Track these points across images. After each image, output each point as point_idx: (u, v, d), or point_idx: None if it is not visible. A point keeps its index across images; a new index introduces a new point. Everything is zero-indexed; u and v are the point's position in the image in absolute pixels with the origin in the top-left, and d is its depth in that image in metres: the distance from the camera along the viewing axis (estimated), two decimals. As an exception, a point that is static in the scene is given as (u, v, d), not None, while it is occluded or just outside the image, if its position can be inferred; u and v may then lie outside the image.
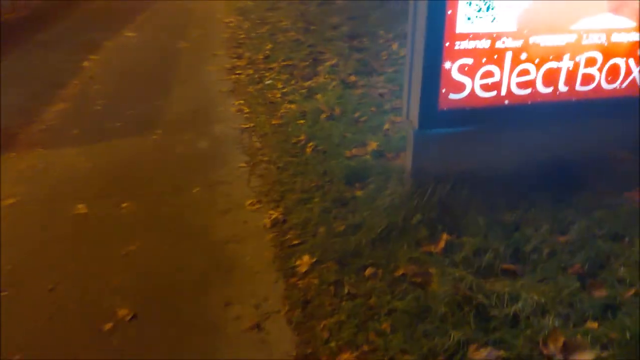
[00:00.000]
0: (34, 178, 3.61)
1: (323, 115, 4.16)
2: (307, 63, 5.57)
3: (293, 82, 5.09)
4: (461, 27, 2.42)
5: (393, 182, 2.97)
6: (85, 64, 6.53)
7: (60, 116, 4.73)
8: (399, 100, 4.30)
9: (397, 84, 4.63)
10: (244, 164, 3.61)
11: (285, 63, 5.68)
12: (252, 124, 4.27)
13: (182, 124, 4.42)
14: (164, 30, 8.34)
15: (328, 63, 5.47)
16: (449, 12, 2.38)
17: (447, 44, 2.43)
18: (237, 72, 5.75)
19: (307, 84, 4.98)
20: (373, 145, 3.58)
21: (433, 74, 2.48)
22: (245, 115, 4.48)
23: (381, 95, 4.48)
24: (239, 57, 6.32)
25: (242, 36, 7.39)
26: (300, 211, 2.94)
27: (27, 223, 3.07)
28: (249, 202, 3.13)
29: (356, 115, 4.11)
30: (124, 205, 3.18)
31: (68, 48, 7.34)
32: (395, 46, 5.87)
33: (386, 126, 3.88)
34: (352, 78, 4.90)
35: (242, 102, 4.81)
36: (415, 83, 2.56)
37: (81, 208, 3.15)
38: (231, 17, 8.96)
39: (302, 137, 3.84)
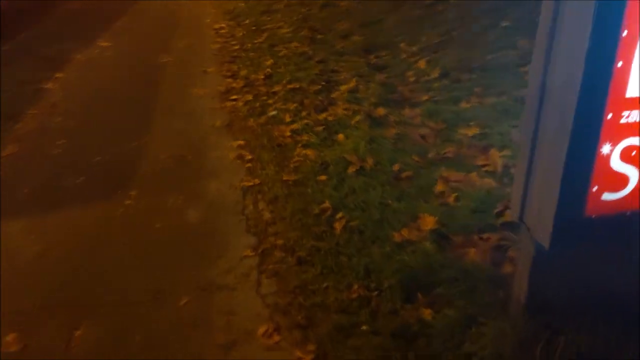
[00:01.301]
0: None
1: (351, 169, 3.14)
2: (319, 87, 4.52)
3: (304, 113, 4.06)
4: (634, 88, 1.41)
5: (485, 304, 1.96)
6: (49, 85, 5.45)
7: (6, 167, 3.66)
8: (447, 146, 3.29)
9: (440, 119, 3.62)
10: (249, 252, 2.58)
11: (291, 86, 4.63)
12: (257, 180, 3.23)
13: (164, 178, 3.37)
14: (144, 39, 7.25)
15: (345, 87, 4.44)
16: (619, 64, 1.37)
17: (609, 117, 1.43)
18: (233, 97, 4.70)
19: (322, 117, 3.95)
20: (429, 222, 2.57)
21: (581, 164, 1.47)
22: (248, 165, 3.44)
23: (423, 137, 3.46)
24: (234, 77, 5.27)
25: (236, 47, 6.33)
26: (342, 354, 1.92)
27: None
28: (262, 329, 2.10)
29: (395, 168, 3.09)
30: (77, 333, 2.14)
31: (31, 63, 6.23)
32: (422, 64, 4.83)
33: (439, 187, 2.87)
34: (380, 111, 3.86)
35: (241, 143, 3.77)
36: (545, 175, 1.55)
37: (11, 340, 2.11)
38: (221, 23, 7.89)
39: (327, 205, 2.83)
